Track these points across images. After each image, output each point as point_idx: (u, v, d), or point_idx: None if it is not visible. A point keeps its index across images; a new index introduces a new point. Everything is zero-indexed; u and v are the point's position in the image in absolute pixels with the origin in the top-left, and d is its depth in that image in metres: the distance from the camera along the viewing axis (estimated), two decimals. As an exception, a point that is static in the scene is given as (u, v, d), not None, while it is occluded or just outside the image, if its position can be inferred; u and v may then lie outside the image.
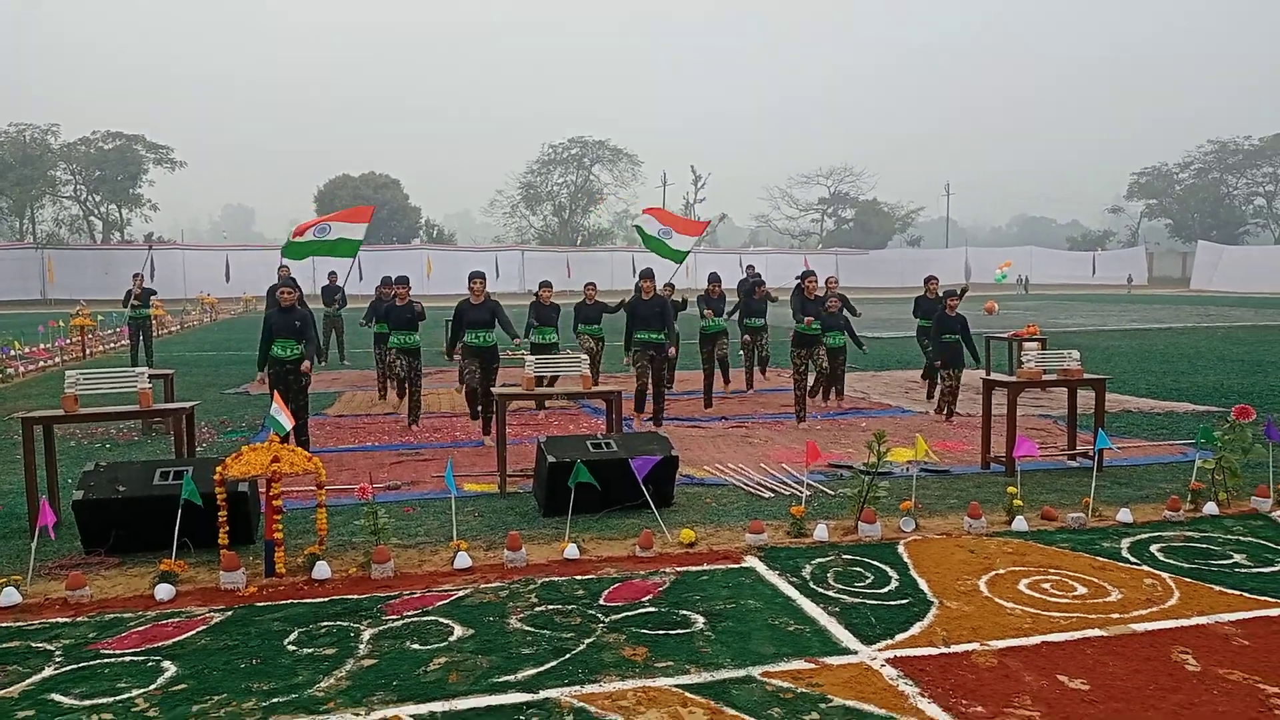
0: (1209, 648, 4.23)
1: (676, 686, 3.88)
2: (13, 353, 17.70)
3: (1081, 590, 4.99)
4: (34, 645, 4.32)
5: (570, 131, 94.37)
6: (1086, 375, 8.25)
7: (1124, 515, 6.29)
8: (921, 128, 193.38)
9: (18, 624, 4.58)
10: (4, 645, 4.33)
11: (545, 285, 11.83)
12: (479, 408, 9.74)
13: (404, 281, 10.70)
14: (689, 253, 13.03)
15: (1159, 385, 13.57)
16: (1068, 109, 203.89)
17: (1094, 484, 6.78)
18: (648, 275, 10.07)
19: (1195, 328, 26.00)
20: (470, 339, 9.46)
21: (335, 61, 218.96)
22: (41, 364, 17.61)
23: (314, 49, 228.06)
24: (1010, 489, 6.49)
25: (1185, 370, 15.45)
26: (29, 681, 3.94)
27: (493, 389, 8.80)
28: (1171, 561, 5.45)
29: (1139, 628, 4.47)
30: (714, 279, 12.24)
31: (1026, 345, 12.27)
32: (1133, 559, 5.51)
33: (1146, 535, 5.98)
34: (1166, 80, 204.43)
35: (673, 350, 10.39)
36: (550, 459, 6.38)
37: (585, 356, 8.13)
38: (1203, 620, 4.55)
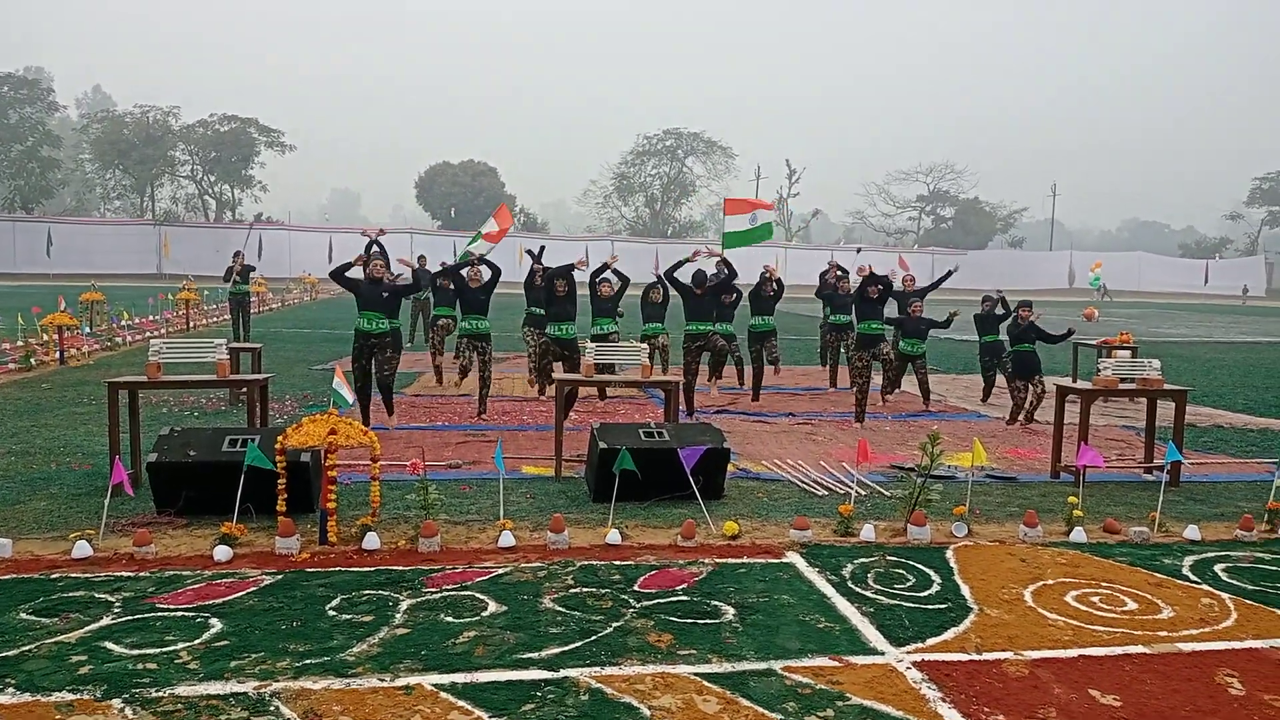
0: (1258, 672, 4.05)
1: (695, 674, 3.90)
2: (122, 323, 18.71)
3: (1132, 606, 4.82)
4: (97, 596, 4.60)
5: (665, 122, 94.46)
6: (1168, 386, 7.92)
7: (1191, 532, 6.04)
8: (1028, 125, 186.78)
9: (85, 575, 4.88)
10: (70, 594, 4.61)
11: (604, 281, 11.76)
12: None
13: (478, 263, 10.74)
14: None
15: (1259, 401, 12.92)
16: (1188, 109, 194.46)
17: (1162, 498, 6.52)
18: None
19: (1311, 342, 24.61)
20: (556, 331, 9.47)
21: (438, 54, 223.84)
22: (148, 334, 18.54)
23: (416, 43, 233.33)
24: (1071, 499, 6.29)
25: (1291, 386, 14.67)
26: (87, 629, 4.20)
27: (554, 375, 8.91)
28: (1235, 582, 5.22)
29: (1186, 647, 4.30)
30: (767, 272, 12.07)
31: (1117, 353, 11.94)
32: (1193, 577, 5.29)
33: (1213, 554, 5.74)
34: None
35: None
36: (601, 445, 6.45)
37: (645, 346, 8.17)
38: (1256, 644, 4.36)
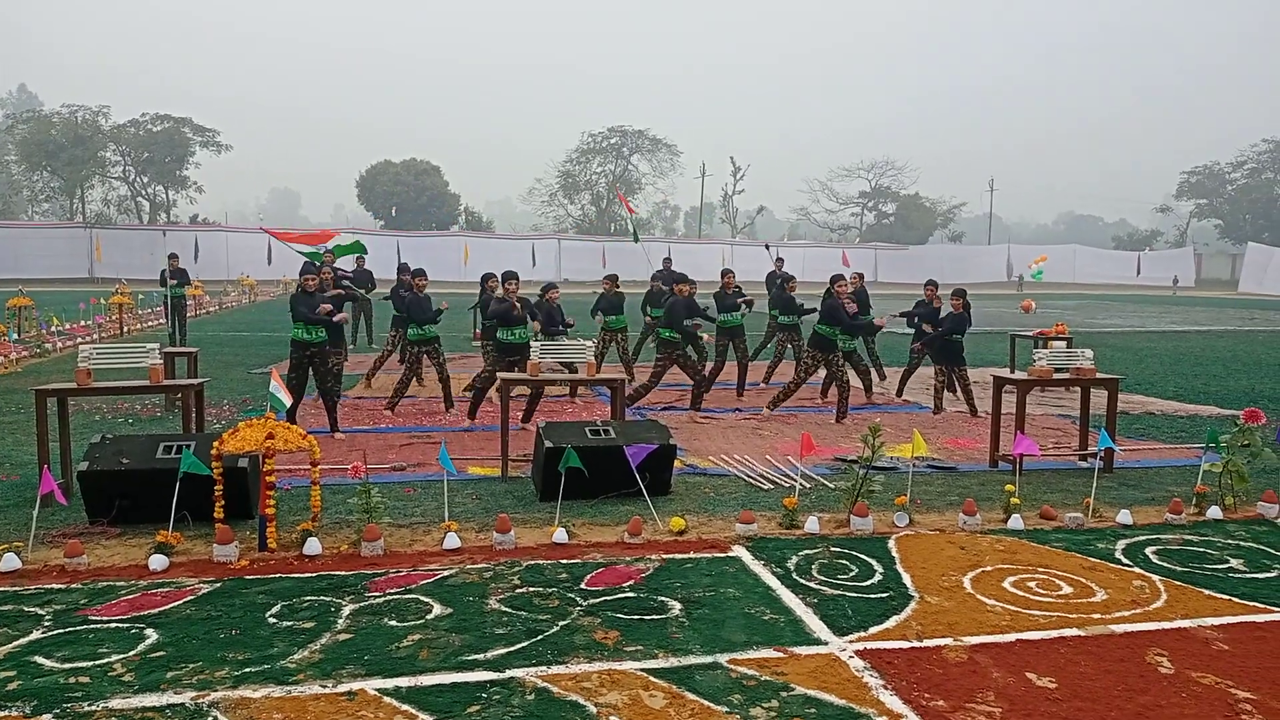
0: (1186, 651, 4.18)
1: (642, 670, 3.91)
2: (52, 328, 18.16)
3: (1067, 590, 4.94)
4: (26, 610, 4.46)
5: (614, 120, 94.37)
6: (1100, 375, 8.13)
7: (1124, 517, 6.21)
8: (968, 123, 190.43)
9: (14, 589, 4.73)
10: (-3, 608, 4.47)
11: (552, 287, 11.84)
12: (479, 405, 9.84)
13: (420, 273, 10.82)
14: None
15: (1188, 388, 13.31)
16: (1120, 107, 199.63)
17: (1095, 484, 6.69)
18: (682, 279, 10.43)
19: (1236, 331, 25.46)
20: (509, 337, 9.47)
21: (383, 47, 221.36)
22: (79, 340, 18.02)
23: (357, 40, 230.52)
24: (1008, 487, 6.43)
25: (1218, 374, 15.15)
26: (15, 644, 4.07)
27: (499, 373, 8.88)
28: (1165, 564, 5.38)
29: (1118, 629, 4.42)
30: (727, 273, 12.17)
31: (1053, 344, 12.22)
32: (1126, 561, 5.44)
33: (1144, 537, 5.90)
34: (1222, 80, 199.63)
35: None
36: (547, 444, 6.43)
37: (590, 344, 8.18)
38: (1185, 624, 4.49)
